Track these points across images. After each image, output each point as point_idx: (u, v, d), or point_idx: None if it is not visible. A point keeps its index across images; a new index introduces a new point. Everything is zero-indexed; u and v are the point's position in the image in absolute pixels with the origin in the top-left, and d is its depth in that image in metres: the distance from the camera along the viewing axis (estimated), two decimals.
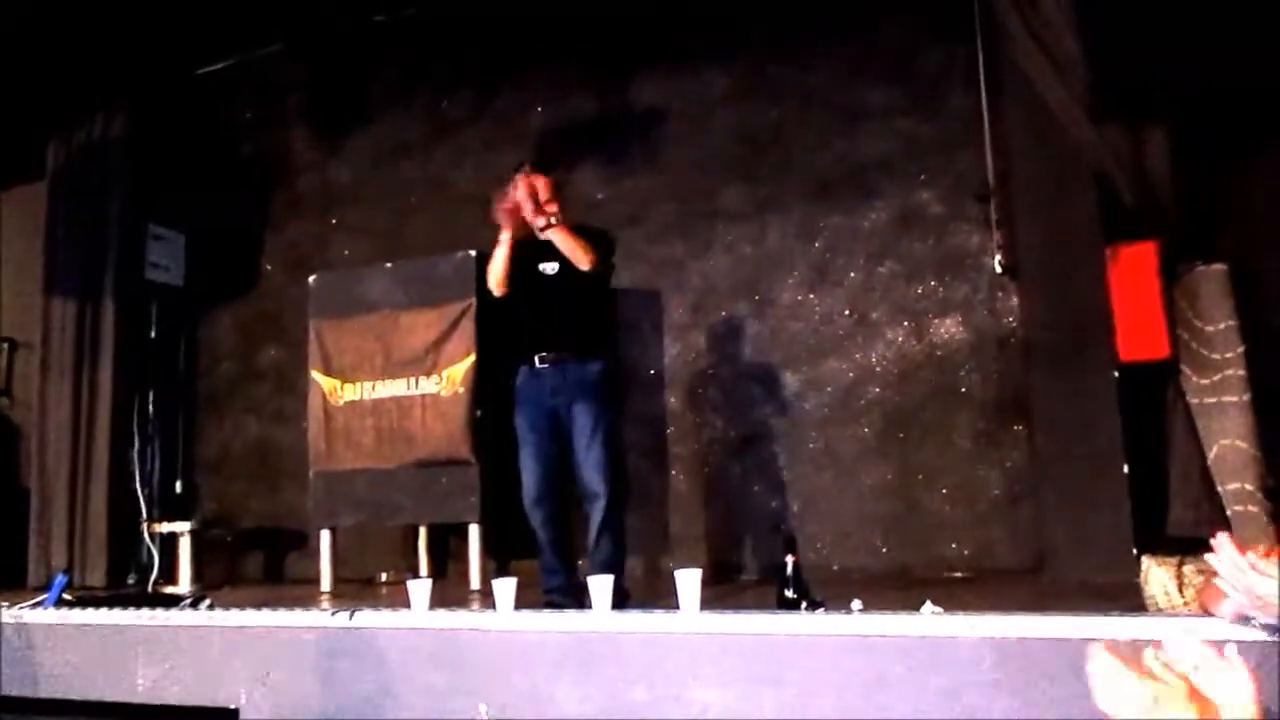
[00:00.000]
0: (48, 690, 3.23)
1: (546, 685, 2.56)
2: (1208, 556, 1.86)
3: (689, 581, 2.66)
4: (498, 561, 4.56)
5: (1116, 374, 3.47)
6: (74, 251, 5.72)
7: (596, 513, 3.45)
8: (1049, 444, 3.73)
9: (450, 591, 4.11)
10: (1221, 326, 3.36)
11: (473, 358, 4.56)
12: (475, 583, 4.36)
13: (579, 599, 3.31)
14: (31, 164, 5.95)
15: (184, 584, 5.05)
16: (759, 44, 4.99)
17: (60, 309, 5.72)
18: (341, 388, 4.85)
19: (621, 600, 3.12)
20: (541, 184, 3.66)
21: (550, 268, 3.60)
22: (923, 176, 4.61)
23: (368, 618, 2.88)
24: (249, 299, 6.07)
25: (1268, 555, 1.79)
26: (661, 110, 5.15)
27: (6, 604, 3.49)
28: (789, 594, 2.81)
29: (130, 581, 5.49)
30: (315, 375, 4.93)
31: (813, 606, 2.72)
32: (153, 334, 5.95)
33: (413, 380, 4.69)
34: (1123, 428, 3.41)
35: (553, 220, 3.54)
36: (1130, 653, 1.18)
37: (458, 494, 4.54)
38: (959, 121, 4.48)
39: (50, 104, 5.76)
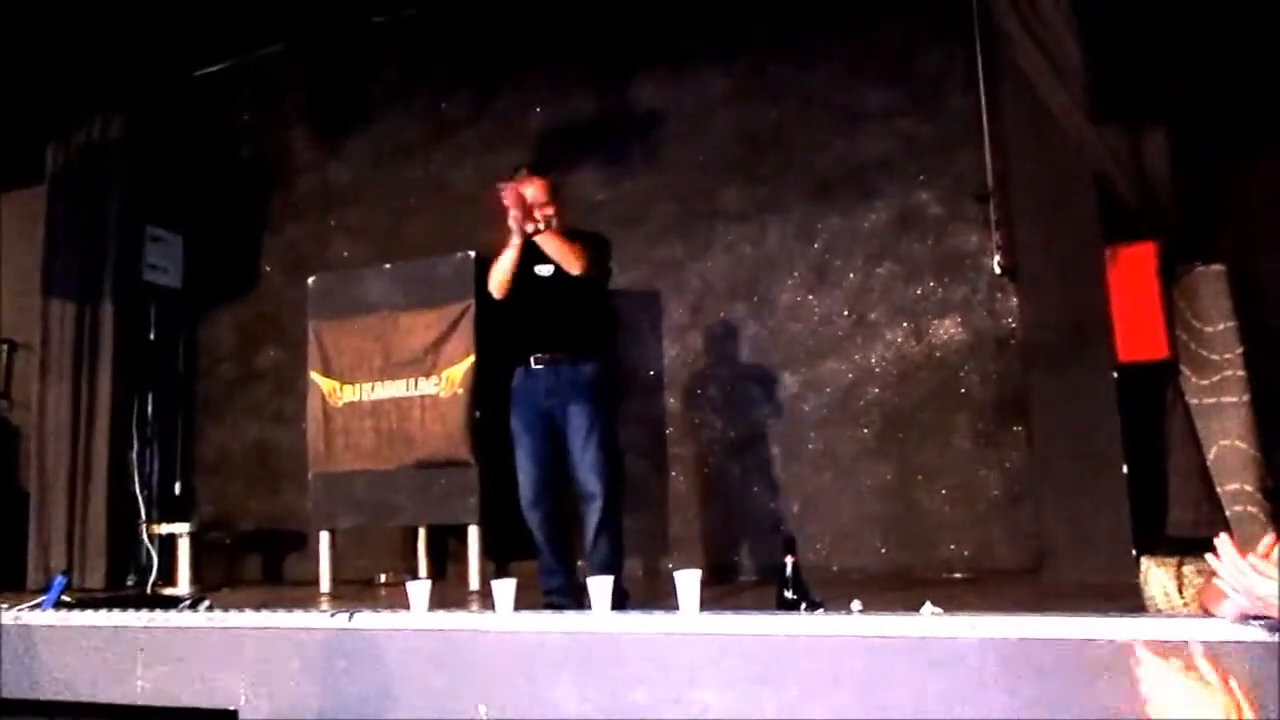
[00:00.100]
0: (47, 692, 3.22)
1: (546, 686, 2.55)
2: (1208, 557, 1.85)
3: (688, 582, 2.66)
4: (497, 563, 4.56)
5: (1116, 375, 3.47)
6: (73, 253, 5.72)
7: (593, 514, 3.44)
8: (1048, 445, 3.72)
9: (449, 593, 4.11)
10: (1221, 327, 3.35)
11: (472, 359, 4.56)
12: (474, 584, 4.36)
13: (578, 600, 3.30)
14: (30, 166, 5.95)
15: (183, 585, 5.04)
16: (759, 44, 4.99)
17: (59, 311, 5.72)
18: (340, 389, 4.84)
19: (621, 601, 3.12)
20: (540, 186, 3.65)
21: (545, 270, 3.59)
22: (922, 177, 4.62)
23: (367, 619, 2.87)
24: (248, 300, 6.07)
25: (1269, 552, 1.78)
26: (661, 110, 5.16)
27: (6, 605, 3.48)
28: (788, 595, 2.81)
29: (129, 583, 5.49)
30: (314, 376, 4.93)
31: (812, 607, 2.71)
32: (152, 336, 5.95)
33: (412, 381, 4.69)
34: (1122, 428, 3.42)
35: (541, 226, 3.53)
36: (1172, 652, 1.19)
37: (457, 495, 4.53)
38: (958, 122, 4.49)
39: (49, 106, 5.77)
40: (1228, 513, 3.18)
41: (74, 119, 5.84)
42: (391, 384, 4.74)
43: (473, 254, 4.59)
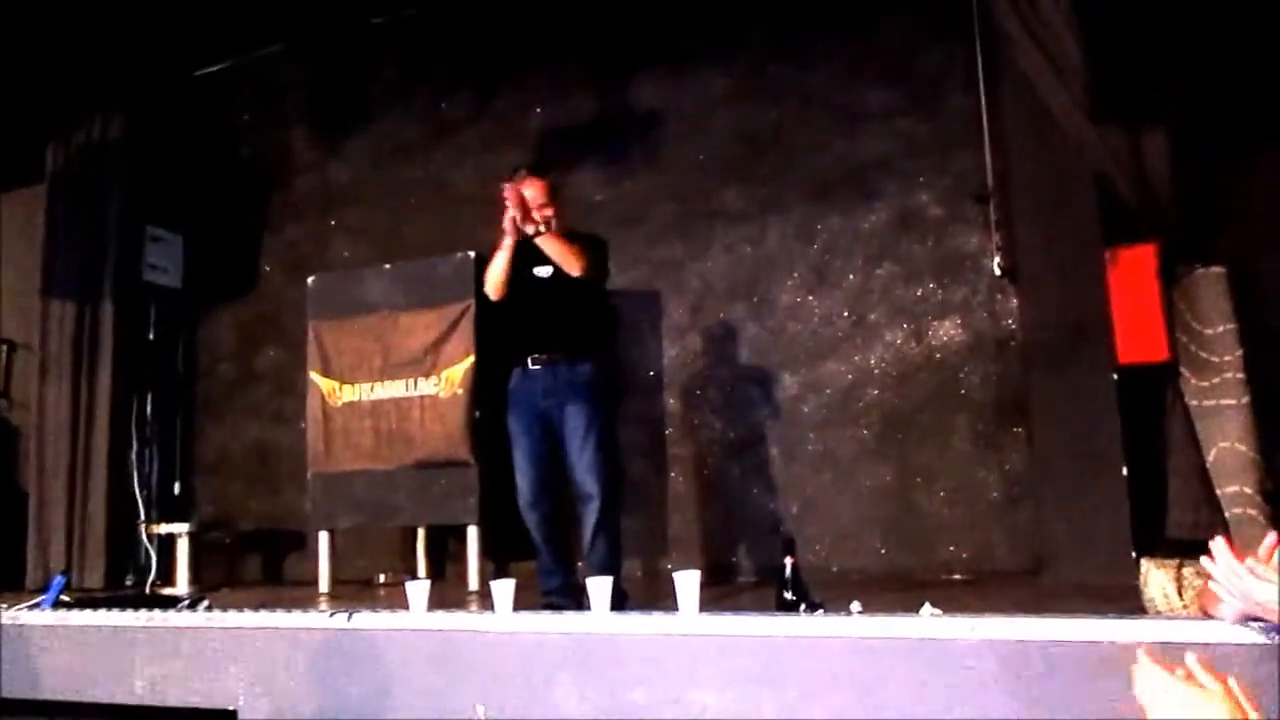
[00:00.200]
0: (46, 691, 3.22)
1: (545, 687, 2.55)
2: (1203, 561, 1.85)
3: (688, 583, 2.66)
4: (496, 563, 4.55)
5: (1115, 376, 3.47)
6: (73, 253, 5.72)
7: (590, 514, 3.44)
8: (1048, 446, 3.72)
9: (449, 593, 4.10)
10: (1220, 329, 3.35)
11: (472, 359, 4.56)
12: (474, 584, 4.36)
13: (577, 600, 3.30)
14: (31, 166, 5.95)
15: (182, 585, 5.04)
16: (759, 44, 4.99)
17: (59, 311, 5.72)
18: (340, 389, 4.84)
19: (620, 602, 3.12)
20: (539, 186, 3.65)
21: (544, 271, 3.59)
22: (922, 178, 4.61)
23: (366, 619, 2.87)
24: (248, 300, 6.07)
25: (1269, 554, 1.78)
26: (661, 110, 5.15)
27: (5, 605, 3.48)
28: (788, 596, 2.80)
29: (128, 583, 5.49)
30: (314, 376, 4.92)
31: (812, 608, 2.71)
32: (151, 335, 5.95)
33: (411, 381, 4.69)
34: (1122, 430, 3.41)
35: (541, 228, 3.53)
36: (1171, 658, 1.19)
37: (456, 495, 4.53)
38: (958, 122, 4.48)
39: (49, 106, 5.77)
40: (1227, 515, 3.18)
41: (74, 119, 5.84)
42: (391, 384, 4.74)
43: (473, 254, 4.58)
